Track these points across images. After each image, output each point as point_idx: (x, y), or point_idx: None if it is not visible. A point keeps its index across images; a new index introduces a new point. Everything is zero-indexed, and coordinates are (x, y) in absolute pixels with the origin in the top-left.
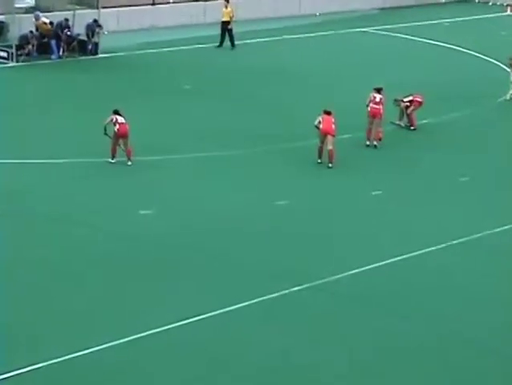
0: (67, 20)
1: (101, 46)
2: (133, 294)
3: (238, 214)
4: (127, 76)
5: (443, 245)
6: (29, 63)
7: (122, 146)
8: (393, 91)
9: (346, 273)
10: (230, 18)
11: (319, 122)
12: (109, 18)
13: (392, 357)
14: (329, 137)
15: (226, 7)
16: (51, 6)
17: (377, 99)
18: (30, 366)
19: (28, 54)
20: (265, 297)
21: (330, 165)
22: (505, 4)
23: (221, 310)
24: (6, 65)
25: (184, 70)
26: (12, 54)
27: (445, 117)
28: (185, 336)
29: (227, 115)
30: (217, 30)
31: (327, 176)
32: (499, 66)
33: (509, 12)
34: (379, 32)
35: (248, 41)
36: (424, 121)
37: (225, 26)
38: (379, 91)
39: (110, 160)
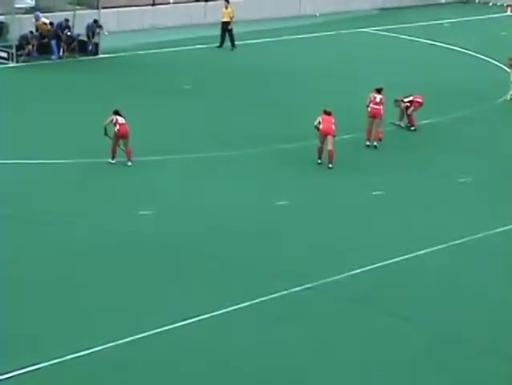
0: (67, 20)
1: (101, 47)
2: (133, 294)
3: (238, 214)
4: (127, 76)
5: (443, 246)
6: (29, 64)
7: (122, 146)
8: (393, 91)
9: (346, 274)
10: (230, 18)
11: (319, 122)
12: (109, 18)
13: (392, 357)
14: (329, 137)
15: (226, 8)
16: (51, 6)
17: (377, 100)
18: (31, 367)
19: (28, 55)
20: (265, 298)
21: (330, 166)
22: (505, 4)
23: (221, 310)
24: (6, 65)
25: (185, 71)
26: (12, 54)
27: (445, 118)
28: (185, 336)
29: (227, 116)
30: (218, 31)
31: (327, 177)
32: (499, 66)
33: (509, 12)
34: (380, 32)
35: (248, 41)
36: (425, 122)
37: (226, 27)
38: (379, 91)
39: (110, 160)
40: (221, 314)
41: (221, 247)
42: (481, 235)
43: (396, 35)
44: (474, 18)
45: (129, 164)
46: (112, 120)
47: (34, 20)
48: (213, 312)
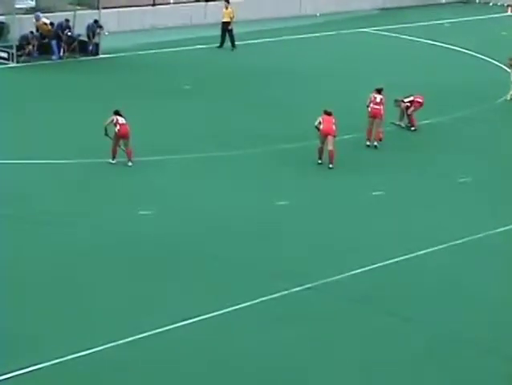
0: (67, 21)
1: (102, 47)
2: (133, 294)
3: (239, 214)
4: (127, 77)
5: (444, 246)
6: (29, 64)
7: (122, 146)
8: (394, 91)
9: (346, 274)
10: (231, 18)
11: (320, 122)
12: (110, 18)
13: (392, 357)
14: (329, 138)
15: (227, 8)
16: (52, 6)
17: (378, 100)
18: (31, 367)
19: (28, 55)
20: (265, 298)
21: (330, 166)
22: (505, 4)
23: (222, 311)
24: (6, 65)
25: (185, 71)
26: (12, 54)
27: (446, 118)
28: (186, 336)
29: (227, 116)
30: (218, 31)
31: (328, 177)
32: (500, 66)
33: (509, 12)
34: (380, 32)
35: (249, 41)
36: (425, 122)
37: (226, 27)
38: (379, 91)
39: (110, 160)
40: (222, 314)
41: (221, 247)
42: (481, 235)
43: (397, 35)
44: (475, 18)
45: (129, 164)
46: (113, 120)
47: (34, 20)
48: (213, 312)
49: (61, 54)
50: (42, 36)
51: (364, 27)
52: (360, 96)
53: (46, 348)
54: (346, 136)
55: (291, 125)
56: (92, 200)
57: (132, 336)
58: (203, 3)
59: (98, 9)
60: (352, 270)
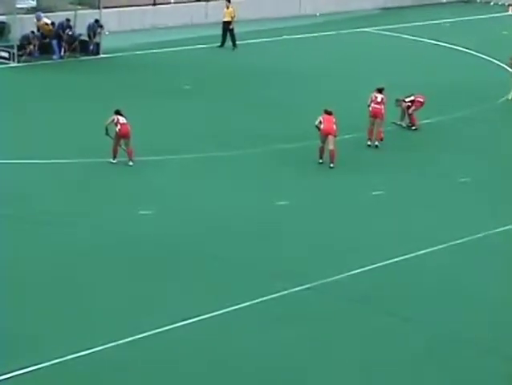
0: (68, 20)
1: (102, 47)
2: (133, 294)
3: (239, 214)
4: (128, 76)
5: (443, 246)
6: (30, 64)
7: (123, 146)
8: (395, 91)
9: (346, 274)
10: (232, 18)
11: (320, 122)
12: (110, 18)
13: (392, 357)
14: (330, 137)
15: (228, 7)
16: (53, 6)
17: (378, 99)
18: (31, 367)
19: (29, 55)
20: (265, 298)
21: (331, 165)
22: (506, 4)
23: (221, 311)
24: (7, 65)
25: (186, 71)
26: (13, 54)
27: (447, 117)
28: (185, 336)
29: (228, 116)
30: (219, 30)
31: (328, 176)
32: (501, 66)
33: (510, 12)
34: (381, 32)
35: (249, 41)
36: (426, 121)
37: (227, 26)
38: (380, 91)
39: (111, 160)
40: (221, 314)
41: (221, 247)
42: (481, 235)
43: (398, 35)
44: (475, 17)
45: (130, 163)
46: (113, 120)
47: (35, 20)
48: (213, 312)
49: (62, 53)
50: (43, 36)
51: (365, 27)
52: (361, 96)
53: (46, 348)
54: (347, 136)
55: (291, 125)
56: (92, 200)
57: (131, 336)
58: (204, 3)
59: (99, 8)
60: (352, 270)
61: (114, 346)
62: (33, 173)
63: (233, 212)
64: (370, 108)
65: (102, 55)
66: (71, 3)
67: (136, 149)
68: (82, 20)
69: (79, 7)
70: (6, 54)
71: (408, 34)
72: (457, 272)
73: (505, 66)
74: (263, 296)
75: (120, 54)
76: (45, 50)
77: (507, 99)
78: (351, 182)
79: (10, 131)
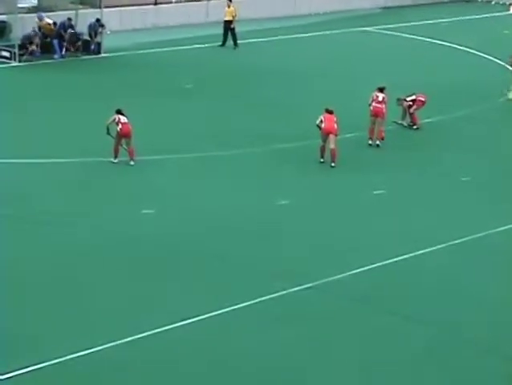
0: (70, 19)
1: (104, 46)
2: (133, 294)
3: (240, 214)
4: (129, 76)
5: (444, 245)
6: (31, 63)
7: (124, 145)
8: (396, 90)
9: (347, 273)
10: (233, 17)
11: (321, 121)
12: (112, 17)
13: (392, 357)
14: (331, 136)
15: (229, 6)
16: (54, 5)
17: (380, 99)
18: (31, 367)
19: (31, 54)
20: (265, 297)
21: (333, 164)
22: (507, 3)
23: (222, 310)
24: (8, 65)
25: (187, 70)
26: (15, 53)
27: (448, 116)
28: (185, 336)
29: (229, 115)
30: (220, 30)
31: (329, 176)
32: (502, 65)
33: (511, 11)
34: (382, 31)
35: (250, 40)
36: (427, 120)
37: (228, 26)
38: (381, 90)
39: (112, 159)
40: (221, 313)
41: (221, 247)
42: (481, 234)
43: (398, 34)
44: (476, 16)
45: (131, 163)
46: (115, 119)
47: (37, 20)
48: (212, 312)
49: (63, 52)
50: (44, 35)
51: (366, 26)
52: (362, 95)
53: (46, 348)
54: (348, 135)
55: (292, 124)
56: (93, 200)
57: (131, 336)
58: (205, 2)
59: (100, 8)
60: (352, 270)
61: (114, 345)
62: (33, 173)
63: (233, 212)
64: (371, 107)
65: (103, 55)
66: (72, 2)
67: (137, 148)
68: (83, 19)
69: (81, 6)
70: (7, 54)
71: (408, 34)
72: (457, 271)
73: (507, 66)
74: (263, 296)
75: (122, 53)
76: (46, 50)
77: (508, 99)
78: (351, 181)
79: (10, 131)
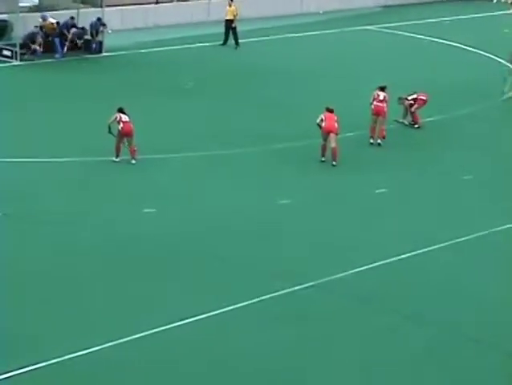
0: (72, 18)
1: (105, 45)
2: (133, 294)
3: (241, 213)
4: (130, 75)
5: (446, 244)
6: (33, 62)
7: (126, 144)
8: (397, 89)
9: (349, 272)
10: (234, 16)
11: (322, 120)
12: (113, 16)
13: (392, 356)
14: (332, 135)
15: (230, 5)
16: (55, 4)
17: (381, 97)
18: (31, 366)
19: (32, 53)
20: (266, 296)
21: (334, 163)
22: (509, 2)
23: (222, 310)
24: (9, 64)
25: (188, 69)
26: (16, 52)
27: (449, 115)
28: (185, 336)
29: (230, 114)
30: (221, 29)
31: (330, 175)
32: (503, 63)
33: None
34: (383, 30)
35: (252, 39)
36: (428, 119)
37: (229, 25)
38: (382, 89)
39: (114, 158)
40: (222, 313)
41: (221, 246)
42: (483, 233)
43: (400, 33)
44: (477, 15)
45: (133, 162)
46: (116, 118)
47: (41, 20)
48: (212, 312)
49: (64, 50)
50: (46, 34)
51: (367, 25)
52: (363, 94)
53: (45, 348)
54: (349, 134)
55: (293, 123)
56: (94, 199)
57: (131, 336)
58: (206, 1)
59: (101, 7)
60: (353, 269)
61: (113, 345)
62: (34, 172)
63: (234, 211)
64: (372, 106)
65: (104, 54)
66: (74, 2)
67: (138, 147)
68: (84, 18)
69: (82, 6)
70: (8, 53)
71: (409, 32)
72: (458, 270)
73: (508, 64)
74: (263, 295)
75: (123, 52)
76: (48, 49)
77: (509, 96)
78: (353, 180)
79: (11, 130)
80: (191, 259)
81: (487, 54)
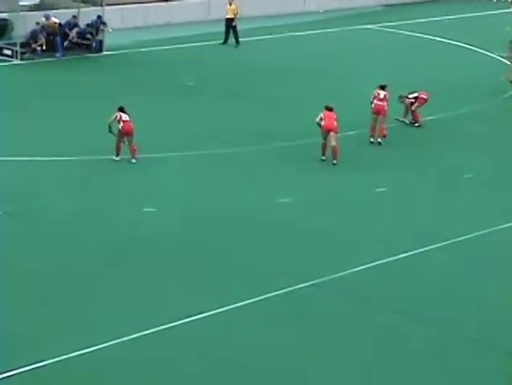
0: (74, 17)
1: (105, 44)
2: (135, 292)
3: (241, 212)
4: (131, 74)
5: (447, 242)
6: (33, 61)
7: (126, 142)
8: (398, 87)
9: (349, 271)
10: (235, 15)
11: (321, 118)
12: (113, 15)
13: (393, 355)
14: (332, 134)
15: (230, 4)
16: (56, 3)
17: (381, 96)
18: (31, 366)
19: (33, 52)
20: (267, 295)
21: (334, 162)
22: (510, 0)
23: (223, 309)
24: (10, 63)
25: (188, 68)
26: (16, 52)
27: (450, 114)
28: (188, 334)
29: (231, 113)
30: (222, 27)
31: (331, 174)
32: (503, 62)
33: None
34: (384, 29)
35: (252, 38)
36: (429, 118)
37: (230, 23)
38: (383, 87)
39: (114, 157)
40: (224, 311)
41: (222, 245)
42: (484, 232)
43: (401, 32)
44: (478, 14)
45: (133, 161)
46: (116, 117)
47: (44, 19)
48: (216, 309)
49: (63, 50)
50: (48, 33)
51: (368, 24)
52: (364, 93)
53: (45, 347)
54: (349, 133)
55: (294, 122)
56: (94, 198)
57: (133, 334)
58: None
59: (101, 6)
60: (354, 268)
61: (115, 344)
62: (35, 171)
63: (234, 210)
64: (373, 105)
65: (105, 53)
66: (74, 1)
67: (139, 146)
68: (85, 17)
69: (82, 4)
70: (8, 52)
71: (410, 31)
72: (459, 269)
73: (508, 63)
74: (266, 294)
75: (123, 51)
76: (48, 48)
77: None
78: (353, 179)
79: (12, 129)
80: (191, 258)
81: (488, 53)
